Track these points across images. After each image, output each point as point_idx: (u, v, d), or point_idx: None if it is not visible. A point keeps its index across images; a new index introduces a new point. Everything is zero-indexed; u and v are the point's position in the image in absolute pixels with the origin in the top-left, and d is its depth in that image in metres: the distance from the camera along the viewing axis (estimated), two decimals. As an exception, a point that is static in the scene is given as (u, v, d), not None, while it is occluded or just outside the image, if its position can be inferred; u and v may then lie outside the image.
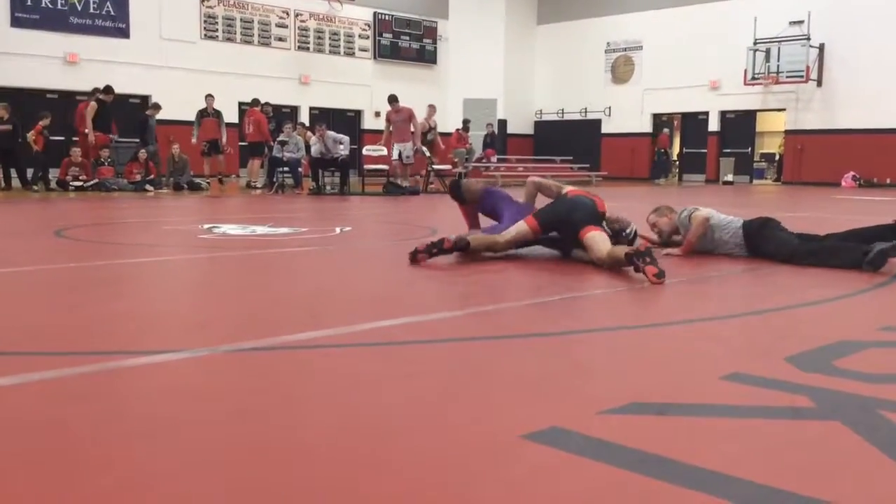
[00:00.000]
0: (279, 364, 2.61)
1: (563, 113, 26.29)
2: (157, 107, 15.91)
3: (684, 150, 24.84)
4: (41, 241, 6.44)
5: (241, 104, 18.74)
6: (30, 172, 14.14)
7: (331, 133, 14.22)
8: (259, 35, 21.17)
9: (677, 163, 25.34)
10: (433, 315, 3.41)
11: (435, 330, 3.14)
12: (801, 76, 20.80)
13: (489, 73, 25.50)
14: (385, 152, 14.97)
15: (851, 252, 4.78)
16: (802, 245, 5.03)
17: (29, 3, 17.29)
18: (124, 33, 18.63)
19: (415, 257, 4.78)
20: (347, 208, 11.03)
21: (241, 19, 20.79)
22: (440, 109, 18.94)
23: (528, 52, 26.56)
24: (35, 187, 13.90)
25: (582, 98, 25.61)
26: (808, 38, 20.59)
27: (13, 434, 1.88)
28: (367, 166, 15.32)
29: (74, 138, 14.88)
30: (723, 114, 23.14)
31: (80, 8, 17.98)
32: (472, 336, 3.06)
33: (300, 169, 15.00)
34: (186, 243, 6.45)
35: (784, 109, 22.01)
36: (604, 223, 5.03)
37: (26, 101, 16.12)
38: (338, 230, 7.38)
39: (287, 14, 21.69)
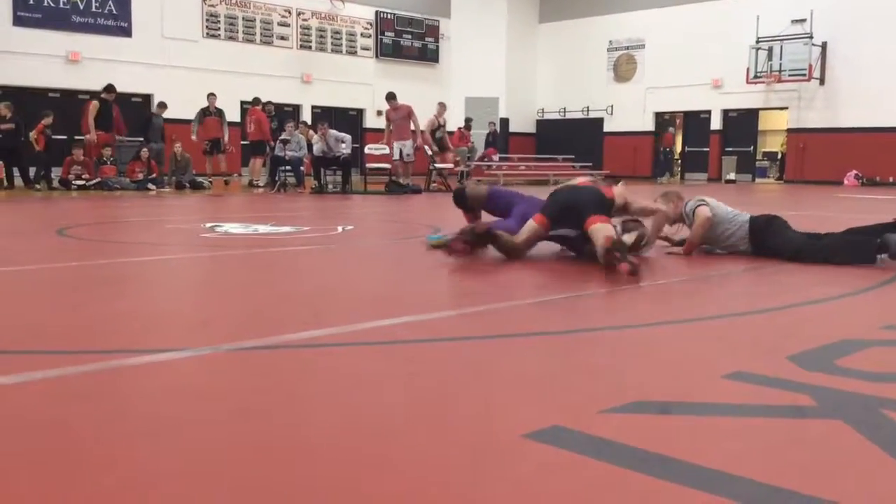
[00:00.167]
0: (281, 363, 2.61)
1: (565, 111, 26.25)
2: (163, 105, 15.93)
3: (686, 148, 24.80)
4: (44, 239, 6.44)
5: (242, 103, 18.74)
6: (32, 171, 14.16)
7: (333, 132, 14.22)
8: (261, 34, 21.17)
9: (679, 161, 25.31)
10: (435, 314, 3.42)
11: (437, 329, 3.14)
12: (804, 74, 20.76)
13: (491, 72, 25.47)
14: (387, 151, 14.97)
15: (860, 247, 4.72)
16: (809, 242, 4.96)
17: (31, 1, 17.28)
18: (126, 32, 18.64)
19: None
20: (349, 207, 11.03)
21: (243, 18, 20.79)
22: (442, 108, 18.91)
23: (530, 51, 26.53)
24: (37, 186, 13.91)
25: (584, 97, 25.57)
26: (811, 37, 20.54)
27: (16, 433, 1.88)
28: (369, 165, 15.33)
29: (78, 137, 14.89)
30: (725, 112, 23.08)
31: (82, 7, 17.98)
32: (475, 335, 3.06)
33: (302, 168, 15.01)
34: (189, 242, 6.45)
35: (786, 108, 21.96)
36: (617, 225, 4.96)
37: (28, 100, 16.12)
38: (340, 229, 7.39)
39: (289, 13, 21.68)
